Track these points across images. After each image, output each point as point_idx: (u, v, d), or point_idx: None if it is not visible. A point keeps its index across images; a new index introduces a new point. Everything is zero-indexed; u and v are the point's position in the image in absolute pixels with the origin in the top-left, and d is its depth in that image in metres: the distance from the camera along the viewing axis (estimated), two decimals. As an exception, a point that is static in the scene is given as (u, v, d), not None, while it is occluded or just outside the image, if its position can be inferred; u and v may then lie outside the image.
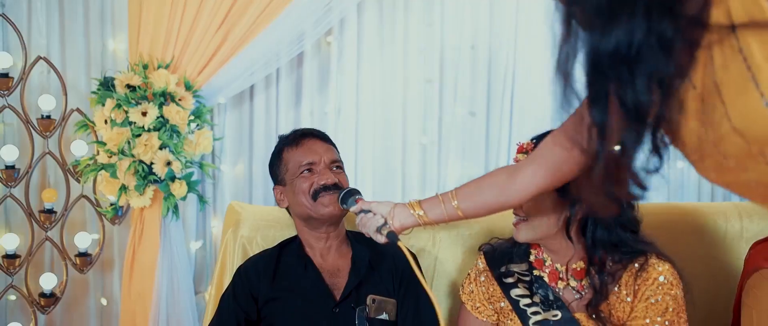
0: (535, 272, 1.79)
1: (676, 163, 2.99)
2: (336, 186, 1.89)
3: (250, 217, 2.16)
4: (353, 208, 1.75)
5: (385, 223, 1.62)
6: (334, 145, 2.04)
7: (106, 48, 2.81)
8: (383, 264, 1.96)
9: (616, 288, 1.71)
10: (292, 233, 2.05)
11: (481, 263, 1.88)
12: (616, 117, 0.91)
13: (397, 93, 2.91)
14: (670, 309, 1.65)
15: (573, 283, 1.76)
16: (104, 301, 2.90)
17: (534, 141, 1.74)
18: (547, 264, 1.78)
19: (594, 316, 1.70)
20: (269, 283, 1.90)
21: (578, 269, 1.75)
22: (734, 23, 0.84)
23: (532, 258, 1.82)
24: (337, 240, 1.98)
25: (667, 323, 1.64)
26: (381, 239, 1.63)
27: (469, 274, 1.90)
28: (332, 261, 1.96)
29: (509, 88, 2.95)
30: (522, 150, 1.76)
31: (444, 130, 2.95)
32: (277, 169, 2.00)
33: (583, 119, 0.97)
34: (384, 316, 1.85)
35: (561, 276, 1.77)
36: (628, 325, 1.67)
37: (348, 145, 2.89)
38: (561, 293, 1.76)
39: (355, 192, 1.81)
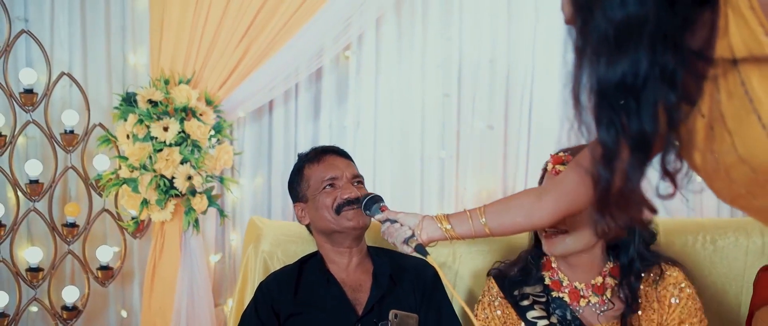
0: (554, 294, 1.79)
1: (695, 177, 2.97)
2: (358, 200, 1.91)
3: (270, 232, 2.18)
4: (378, 216, 1.75)
5: (413, 235, 1.62)
6: (353, 161, 2.05)
7: (127, 62, 2.84)
8: (405, 279, 1.97)
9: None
10: (313, 248, 2.06)
11: (494, 288, 1.87)
12: (622, 144, 0.92)
13: (415, 107, 2.90)
14: (692, 307, 1.74)
15: (594, 299, 1.77)
16: (124, 314, 2.91)
17: (568, 152, 1.74)
18: (564, 284, 1.79)
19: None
20: (291, 299, 1.91)
21: (597, 284, 1.76)
22: (736, 57, 0.86)
23: (547, 281, 1.82)
24: (359, 255, 1.99)
25: (696, 321, 1.73)
26: (407, 250, 1.63)
27: (481, 300, 1.90)
28: (354, 276, 1.97)
29: (527, 102, 2.93)
30: (560, 161, 1.75)
31: (462, 143, 2.94)
32: (297, 186, 2.02)
33: (593, 147, 0.97)
34: None
35: (582, 293, 1.77)
36: None
37: (366, 158, 2.89)
38: (582, 311, 1.76)
39: (378, 198, 1.81)
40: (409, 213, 1.69)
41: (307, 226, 2.03)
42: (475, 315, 1.87)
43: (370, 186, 2.89)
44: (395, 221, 1.69)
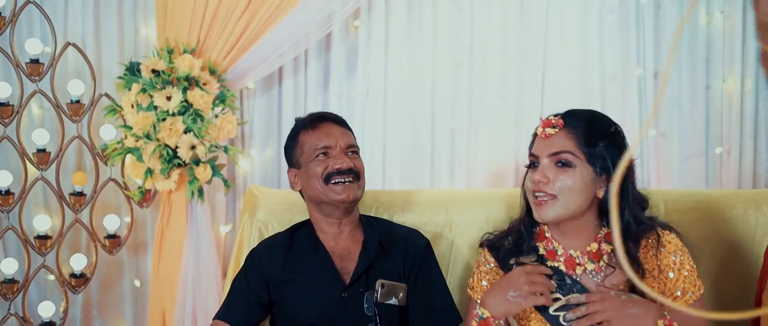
0: (549, 263, 1.74)
1: (714, 149, 2.88)
2: (350, 171, 1.88)
3: (267, 201, 2.17)
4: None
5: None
6: (350, 130, 2.02)
7: (138, 34, 2.85)
8: (395, 248, 1.94)
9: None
10: (307, 217, 2.04)
11: (490, 259, 1.82)
12: None
13: (426, 77, 2.86)
14: (692, 275, 1.69)
15: (590, 266, 1.72)
16: (138, 283, 2.95)
17: (560, 116, 1.70)
18: (559, 253, 1.74)
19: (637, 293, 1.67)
20: (280, 266, 1.90)
21: (594, 251, 1.72)
22: None
23: (541, 251, 1.77)
24: (349, 226, 1.96)
25: (695, 289, 1.69)
26: None
27: (476, 271, 1.84)
28: (344, 245, 1.94)
29: (540, 71, 2.86)
30: (549, 124, 1.70)
31: (473, 114, 2.88)
32: (292, 152, 1.99)
33: None
34: (393, 301, 1.83)
35: (578, 261, 1.72)
36: (678, 300, 1.69)
37: (376, 129, 2.86)
38: (579, 278, 1.71)
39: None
40: None
41: (301, 192, 2.01)
42: (471, 287, 1.83)
43: (380, 158, 2.88)
44: None
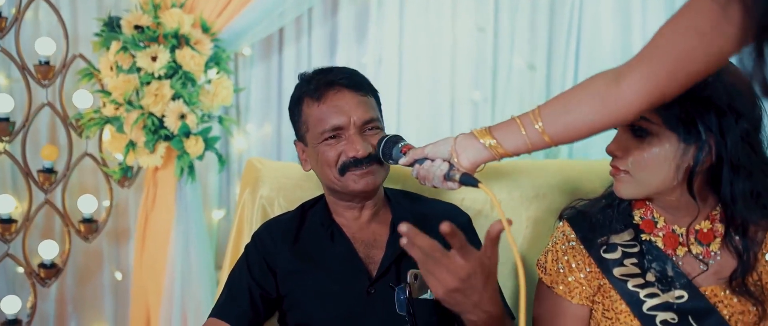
0: (644, 236, 1.39)
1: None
2: (370, 158, 1.50)
3: (271, 175, 1.83)
4: (402, 160, 1.39)
5: (452, 167, 1.28)
6: (370, 93, 1.58)
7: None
8: (430, 229, 1.60)
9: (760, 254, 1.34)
10: (321, 192, 1.68)
11: (571, 234, 1.46)
12: None
13: (446, 43, 2.58)
14: None
15: (697, 250, 1.36)
16: (119, 275, 2.63)
17: None
18: (659, 225, 1.38)
19: (741, 292, 1.32)
20: (289, 253, 1.54)
21: (704, 230, 1.35)
22: None
23: (637, 219, 1.41)
24: (372, 209, 1.60)
25: None
26: (453, 186, 1.29)
27: (551, 249, 1.48)
28: (368, 229, 1.58)
29: (574, 37, 2.59)
30: None
31: (499, 85, 2.60)
32: (297, 120, 1.59)
33: None
34: (429, 295, 1.49)
35: (681, 240, 1.37)
36: None
37: (389, 102, 2.57)
38: (681, 263, 1.37)
39: (396, 139, 1.44)
40: (438, 141, 1.34)
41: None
42: (543, 268, 1.48)
43: (392, 132, 2.58)
44: (424, 159, 1.34)
